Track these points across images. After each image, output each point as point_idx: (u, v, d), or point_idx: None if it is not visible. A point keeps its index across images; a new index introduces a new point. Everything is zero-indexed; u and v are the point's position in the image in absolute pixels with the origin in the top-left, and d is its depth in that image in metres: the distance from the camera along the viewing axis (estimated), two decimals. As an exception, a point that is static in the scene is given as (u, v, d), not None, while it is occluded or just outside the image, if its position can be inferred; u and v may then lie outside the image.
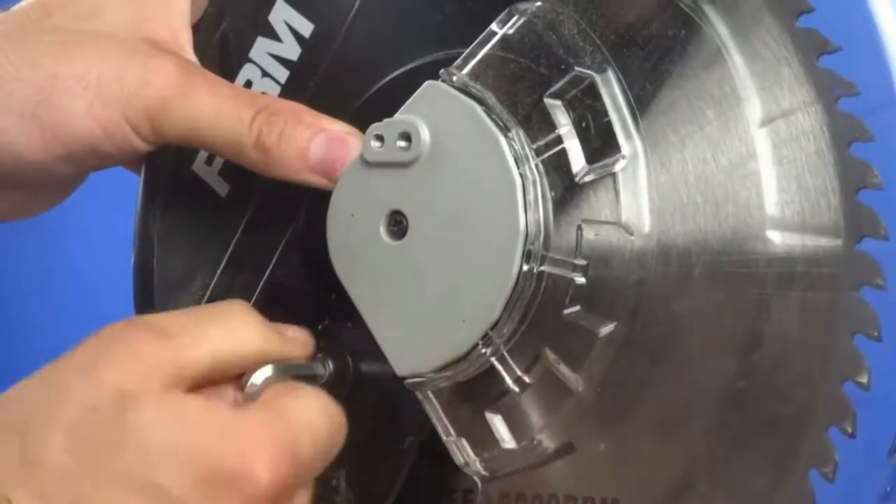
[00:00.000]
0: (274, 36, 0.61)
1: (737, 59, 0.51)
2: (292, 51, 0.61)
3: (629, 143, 0.50)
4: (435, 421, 0.54)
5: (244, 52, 0.62)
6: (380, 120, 0.54)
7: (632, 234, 0.50)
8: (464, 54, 0.52)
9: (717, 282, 0.50)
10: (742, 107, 0.50)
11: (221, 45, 0.63)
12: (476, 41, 0.52)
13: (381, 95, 0.58)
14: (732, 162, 0.50)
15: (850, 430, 0.48)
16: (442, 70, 0.52)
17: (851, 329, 0.48)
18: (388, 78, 0.58)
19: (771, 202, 0.50)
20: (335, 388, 0.57)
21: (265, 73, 0.62)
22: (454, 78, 0.52)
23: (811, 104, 0.50)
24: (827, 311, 0.49)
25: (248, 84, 0.62)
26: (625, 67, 0.51)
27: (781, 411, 0.49)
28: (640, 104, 0.51)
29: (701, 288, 0.50)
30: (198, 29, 0.62)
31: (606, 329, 0.50)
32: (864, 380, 0.48)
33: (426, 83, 0.52)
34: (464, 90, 0.52)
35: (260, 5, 0.61)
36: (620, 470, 0.52)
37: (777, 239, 0.49)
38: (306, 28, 0.60)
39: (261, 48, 0.62)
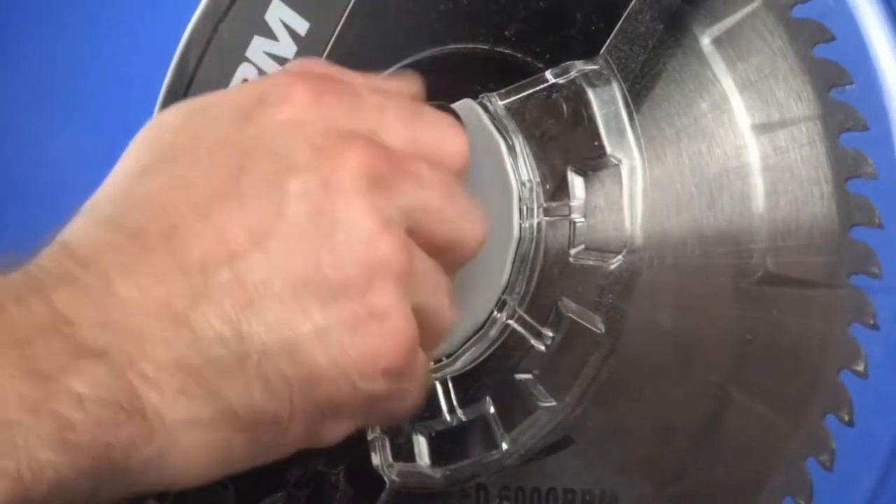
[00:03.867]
0: (270, 34, 0.61)
1: (731, 52, 0.51)
2: (288, 49, 0.61)
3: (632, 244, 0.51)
4: None
5: (241, 51, 0.62)
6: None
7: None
8: (509, 87, 0.52)
9: (713, 272, 0.50)
10: (736, 98, 0.51)
11: (217, 44, 0.63)
12: (526, 80, 0.52)
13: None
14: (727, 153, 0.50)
15: (846, 418, 0.48)
16: (483, 94, 0.52)
17: (848, 318, 0.48)
18: (383, 74, 0.58)
19: (765, 192, 0.50)
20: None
21: (262, 73, 0.62)
22: (491, 105, 0.52)
23: (805, 94, 0.50)
24: (823, 300, 0.49)
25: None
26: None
27: (778, 400, 0.49)
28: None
29: (695, 278, 0.50)
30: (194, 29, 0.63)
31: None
32: (860, 368, 0.48)
33: (464, 100, 0.52)
34: (497, 123, 0.52)
35: (256, 4, 0.62)
36: (619, 462, 0.52)
37: (771, 228, 0.49)
38: (302, 26, 0.61)
39: (257, 47, 0.62)
